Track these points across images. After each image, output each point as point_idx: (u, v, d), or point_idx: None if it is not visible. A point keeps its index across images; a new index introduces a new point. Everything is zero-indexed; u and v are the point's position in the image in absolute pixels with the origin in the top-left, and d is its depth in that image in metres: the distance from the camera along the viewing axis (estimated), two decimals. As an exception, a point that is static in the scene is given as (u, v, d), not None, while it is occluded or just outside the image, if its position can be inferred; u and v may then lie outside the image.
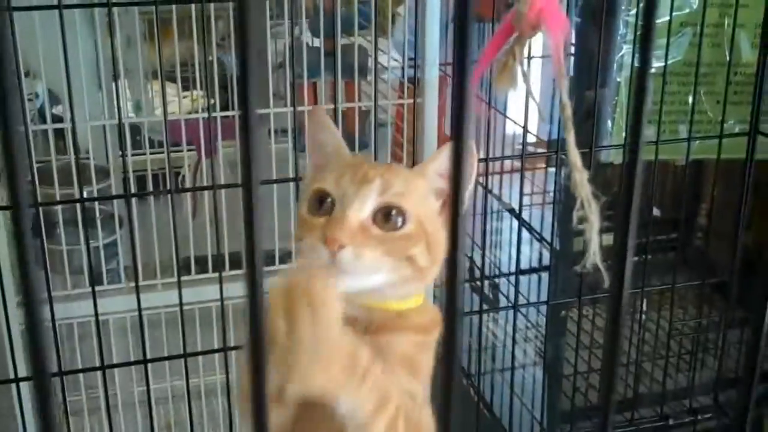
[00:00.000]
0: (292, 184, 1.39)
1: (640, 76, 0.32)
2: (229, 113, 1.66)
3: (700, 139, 1.65)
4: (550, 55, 0.70)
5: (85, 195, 1.64)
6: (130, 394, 1.83)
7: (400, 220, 0.82)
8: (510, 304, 1.68)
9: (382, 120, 1.73)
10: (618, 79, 1.63)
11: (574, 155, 0.76)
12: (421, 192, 0.85)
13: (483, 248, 1.79)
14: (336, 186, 0.82)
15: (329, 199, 0.82)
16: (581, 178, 0.77)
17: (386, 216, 0.81)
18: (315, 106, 0.91)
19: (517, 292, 1.66)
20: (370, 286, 0.81)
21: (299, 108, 1.55)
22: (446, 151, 0.86)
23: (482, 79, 2.17)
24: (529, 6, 0.69)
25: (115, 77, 1.32)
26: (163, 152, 1.90)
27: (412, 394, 0.80)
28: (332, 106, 1.45)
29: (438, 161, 0.87)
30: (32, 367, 0.30)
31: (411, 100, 1.58)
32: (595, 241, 0.75)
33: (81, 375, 1.68)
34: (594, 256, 0.76)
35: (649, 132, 1.64)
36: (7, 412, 1.51)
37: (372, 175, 0.82)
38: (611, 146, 1.66)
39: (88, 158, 1.71)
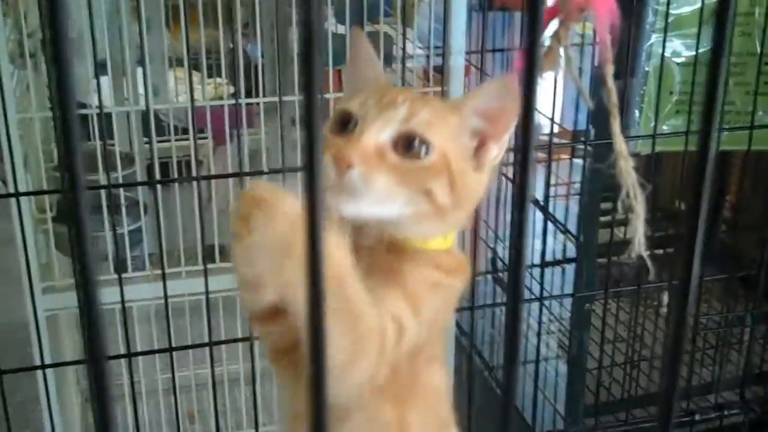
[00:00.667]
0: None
1: (713, 64, 0.31)
2: (254, 100, 1.65)
3: (729, 130, 1.62)
4: (579, 43, 0.69)
5: (109, 180, 1.64)
6: (154, 381, 1.83)
7: (423, 149, 0.76)
8: (535, 296, 1.66)
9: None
10: (646, 68, 1.61)
11: (620, 142, 0.74)
12: (453, 127, 0.80)
13: (506, 239, 1.78)
14: (360, 107, 0.78)
15: (352, 121, 0.78)
16: (627, 166, 0.76)
17: (408, 144, 0.76)
18: (356, 28, 0.87)
19: (542, 284, 1.64)
20: (381, 215, 0.77)
21: (325, 96, 1.54)
22: (488, 88, 0.81)
23: (509, 67, 2.16)
24: (577, -12, 0.67)
25: (143, 63, 1.31)
26: (186, 139, 1.91)
27: (400, 324, 0.75)
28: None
29: (479, 98, 0.80)
30: (89, 350, 0.30)
31: (437, 89, 1.57)
32: (640, 231, 0.74)
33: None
34: (639, 247, 0.74)
35: (677, 122, 1.62)
36: (31, 398, 1.51)
37: (400, 101, 0.78)
38: (640, 136, 1.63)
39: (113, 145, 1.71)
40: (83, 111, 1.67)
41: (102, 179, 1.56)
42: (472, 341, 1.49)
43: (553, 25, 0.73)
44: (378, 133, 0.76)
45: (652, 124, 1.61)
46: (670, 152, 1.75)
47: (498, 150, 0.80)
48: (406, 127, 0.76)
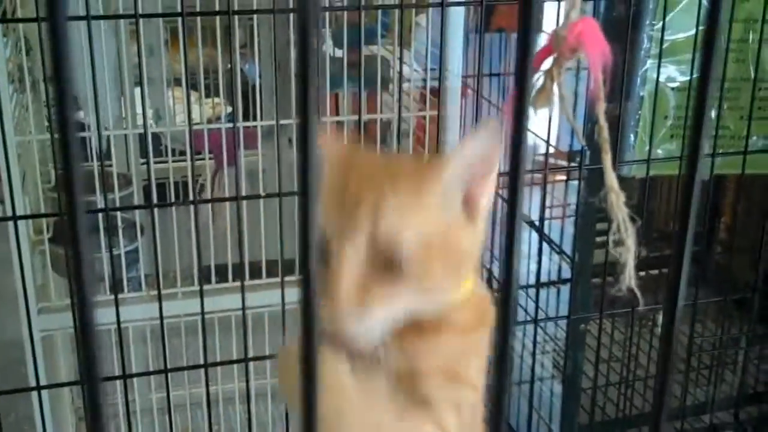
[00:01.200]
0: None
1: (700, 89, 0.32)
2: (252, 123, 1.67)
3: (723, 155, 1.64)
4: (574, 67, 0.70)
5: (107, 202, 1.65)
6: (148, 400, 1.84)
7: (401, 257, 0.68)
8: (530, 318, 1.67)
9: (404, 130, 1.73)
10: (641, 94, 1.63)
11: (611, 177, 0.75)
12: (432, 201, 0.70)
13: (501, 260, 1.78)
14: (327, 224, 0.68)
15: (326, 240, 0.68)
16: (618, 200, 0.77)
17: (384, 257, 0.68)
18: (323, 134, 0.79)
19: (537, 304, 1.65)
20: (391, 326, 0.70)
21: (322, 119, 1.55)
22: (471, 143, 0.71)
23: (505, 90, 2.17)
24: (569, 29, 0.68)
25: (141, 85, 1.32)
26: (183, 160, 1.92)
27: (456, 404, 0.73)
28: (355, 117, 1.45)
29: (463, 155, 0.72)
30: (86, 371, 0.31)
31: (433, 112, 1.58)
32: (630, 264, 0.75)
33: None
34: (630, 280, 0.75)
35: (672, 147, 1.63)
36: (25, 418, 1.52)
37: (363, 199, 0.68)
38: (635, 161, 1.65)
39: (110, 166, 1.72)
40: (82, 134, 1.68)
41: (99, 200, 1.57)
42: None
43: (547, 63, 0.74)
44: (350, 264, 0.67)
45: (647, 148, 1.62)
46: (661, 179, 1.76)
47: (487, 198, 0.75)
48: (375, 242, 0.67)
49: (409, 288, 0.69)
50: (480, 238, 0.75)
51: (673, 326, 0.36)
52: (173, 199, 1.67)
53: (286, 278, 1.42)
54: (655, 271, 2.47)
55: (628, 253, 0.75)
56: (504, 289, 0.32)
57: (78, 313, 0.31)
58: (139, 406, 1.82)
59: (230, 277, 1.58)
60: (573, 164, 2.21)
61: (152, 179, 1.29)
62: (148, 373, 1.34)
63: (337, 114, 1.67)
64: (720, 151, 1.65)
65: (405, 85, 1.78)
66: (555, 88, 0.76)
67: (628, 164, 1.63)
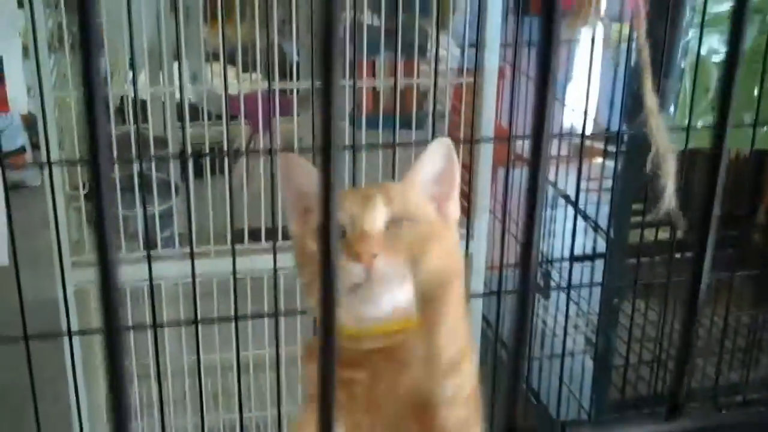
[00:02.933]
0: (348, 157, 1.38)
1: (729, 62, 0.31)
2: (287, 85, 1.66)
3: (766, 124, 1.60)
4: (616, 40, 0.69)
5: (143, 163, 1.66)
6: (180, 362, 1.85)
7: (410, 222, 0.83)
8: (562, 287, 1.66)
9: (440, 101, 1.72)
10: (683, 65, 1.60)
11: (651, 99, 0.74)
12: (419, 197, 0.87)
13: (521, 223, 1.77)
14: (340, 212, 0.81)
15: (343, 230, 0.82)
16: (658, 124, 0.75)
17: (398, 224, 0.83)
18: (285, 153, 0.95)
19: (570, 277, 1.64)
20: (400, 302, 0.81)
21: (358, 83, 1.54)
22: (428, 155, 0.88)
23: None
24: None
25: (179, 51, 1.33)
26: (219, 125, 1.93)
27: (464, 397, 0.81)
28: (392, 82, 1.44)
29: (424, 167, 0.88)
30: (104, 320, 0.30)
31: (470, 79, 1.57)
32: (670, 186, 0.73)
33: (132, 341, 1.70)
34: (669, 203, 0.73)
35: (712, 120, 1.60)
36: (61, 376, 1.53)
37: (371, 192, 0.85)
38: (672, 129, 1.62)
39: (147, 128, 1.73)
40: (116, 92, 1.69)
41: (136, 164, 1.58)
42: (497, 332, 1.49)
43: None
44: (374, 224, 0.82)
45: (687, 121, 1.59)
46: (703, 153, 1.73)
47: (454, 205, 0.90)
48: (390, 211, 0.83)
49: (422, 245, 0.81)
50: (454, 238, 0.91)
51: (699, 285, 0.35)
52: (209, 163, 1.68)
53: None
54: (690, 254, 2.44)
55: (668, 176, 0.74)
56: (524, 251, 0.31)
57: (98, 256, 0.30)
58: (171, 368, 1.82)
59: (263, 237, 1.58)
60: (610, 143, 2.19)
61: (187, 134, 1.29)
62: (178, 324, 1.35)
63: (374, 77, 1.66)
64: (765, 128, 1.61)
65: (443, 54, 1.76)
66: (592, 8, 0.74)
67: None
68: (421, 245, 0.80)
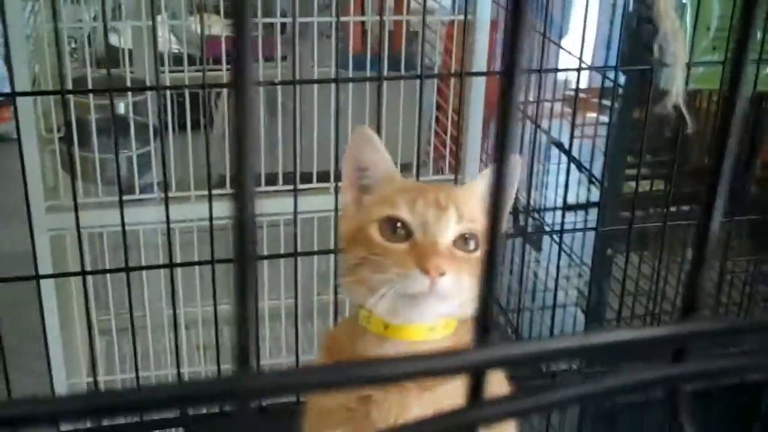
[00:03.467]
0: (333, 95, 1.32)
1: None
2: (269, 20, 1.59)
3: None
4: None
5: (121, 107, 1.60)
6: (160, 316, 1.80)
7: (473, 243, 0.83)
8: (556, 229, 1.61)
9: (431, 40, 1.66)
10: (684, 1, 1.53)
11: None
12: (481, 215, 0.86)
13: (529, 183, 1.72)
14: (411, 213, 0.83)
15: (402, 226, 0.83)
16: (666, 6, 0.69)
17: (464, 240, 0.83)
18: (360, 126, 0.90)
19: (563, 222, 1.59)
20: (444, 313, 0.84)
21: (343, 18, 1.48)
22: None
23: (539, 6, 2.09)
24: None
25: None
26: (201, 70, 1.86)
27: None
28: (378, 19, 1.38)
29: (486, 181, 0.88)
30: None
31: (460, 17, 1.50)
32: (679, 78, 0.68)
33: (110, 297, 1.66)
34: (677, 96, 0.68)
35: (714, 58, 1.54)
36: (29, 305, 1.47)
37: (444, 202, 0.84)
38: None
39: (132, 72, 1.68)
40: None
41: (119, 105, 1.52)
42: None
43: None
44: (445, 237, 0.82)
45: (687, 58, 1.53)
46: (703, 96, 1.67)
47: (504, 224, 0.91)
48: (461, 228, 0.83)
49: (477, 270, 0.77)
50: None
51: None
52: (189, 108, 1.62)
53: (300, 186, 1.37)
54: (686, 207, 2.39)
55: (677, 66, 0.68)
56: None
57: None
58: (151, 322, 1.77)
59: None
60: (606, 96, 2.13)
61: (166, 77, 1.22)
62: (155, 267, 1.29)
63: (362, 14, 1.59)
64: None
65: (431, 16, 1.69)
66: None
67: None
68: (478, 266, 0.80)
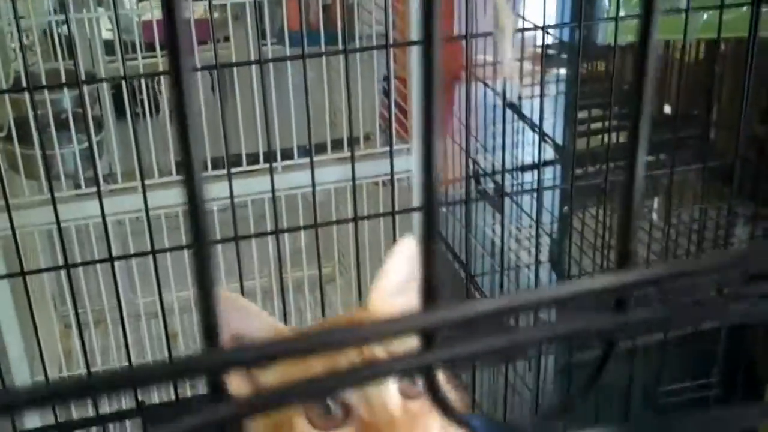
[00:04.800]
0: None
1: None
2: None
3: (702, 9, 1.50)
4: None
5: (68, 99, 1.59)
6: (135, 306, 1.82)
7: (416, 382, 0.68)
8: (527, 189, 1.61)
9: (371, 10, 1.65)
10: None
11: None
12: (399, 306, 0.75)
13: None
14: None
15: (336, 404, 0.66)
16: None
17: (407, 389, 0.67)
18: (226, 293, 0.74)
19: (540, 180, 1.58)
20: None
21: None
22: (393, 263, 0.75)
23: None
24: None
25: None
26: (149, 57, 1.86)
27: None
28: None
29: (391, 275, 0.75)
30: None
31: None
32: (508, 49, 0.68)
33: (85, 292, 1.66)
34: (509, 69, 0.68)
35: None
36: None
37: (368, 351, 0.64)
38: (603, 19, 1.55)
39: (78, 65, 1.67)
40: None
41: (66, 98, 1.52)
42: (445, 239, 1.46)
43: None
44: (395, 398, 0.66)
45: (620, 11, 1.53)
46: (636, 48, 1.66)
47: None
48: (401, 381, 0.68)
49: (428, 414, 0.68)
50: None
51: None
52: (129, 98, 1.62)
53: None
54: (650, 157, 2.39)
55: (505, 38, 0.68)
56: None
57: None
58: (127, 313, 1.78)
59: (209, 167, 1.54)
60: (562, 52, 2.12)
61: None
62: (94, 262, 1.29)
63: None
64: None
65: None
66: None
67: (601, 30, 1.54)
68: (432, 415, 0.67)
